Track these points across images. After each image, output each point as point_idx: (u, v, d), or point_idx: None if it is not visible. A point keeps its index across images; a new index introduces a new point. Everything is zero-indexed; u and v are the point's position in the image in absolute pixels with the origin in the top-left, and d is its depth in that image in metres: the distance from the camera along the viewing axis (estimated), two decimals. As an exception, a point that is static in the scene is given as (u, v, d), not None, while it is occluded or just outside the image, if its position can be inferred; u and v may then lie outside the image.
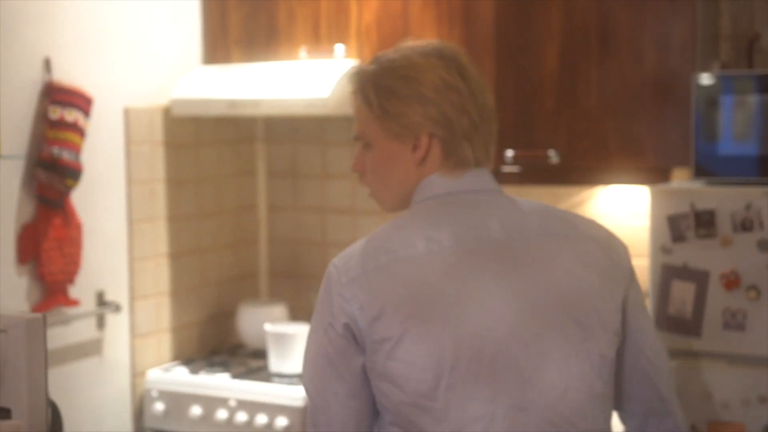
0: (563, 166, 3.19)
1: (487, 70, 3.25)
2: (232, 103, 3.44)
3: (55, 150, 3.06)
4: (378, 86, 1.79)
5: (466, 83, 1.78)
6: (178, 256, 3.65)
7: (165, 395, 3.46)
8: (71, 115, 3.11)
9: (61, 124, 3.08)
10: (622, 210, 3.44)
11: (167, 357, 3.63)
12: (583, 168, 3.18)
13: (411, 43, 1.86)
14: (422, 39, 1.93)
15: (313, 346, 1.77)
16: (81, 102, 3.15)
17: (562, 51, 3.16)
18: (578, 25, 3.13)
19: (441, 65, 1.78)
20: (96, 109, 3.24)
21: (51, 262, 3.10)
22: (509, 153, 3.23)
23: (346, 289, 1.71)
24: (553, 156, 3.17)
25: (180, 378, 3.50)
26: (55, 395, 2.31)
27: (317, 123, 3.91)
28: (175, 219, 3.64)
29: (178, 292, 3.66)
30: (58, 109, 3.08)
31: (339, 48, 3.46)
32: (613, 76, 3.09)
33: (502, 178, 3.25)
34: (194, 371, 3.53)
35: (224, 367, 3.56)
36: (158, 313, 3.59)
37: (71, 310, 3.23)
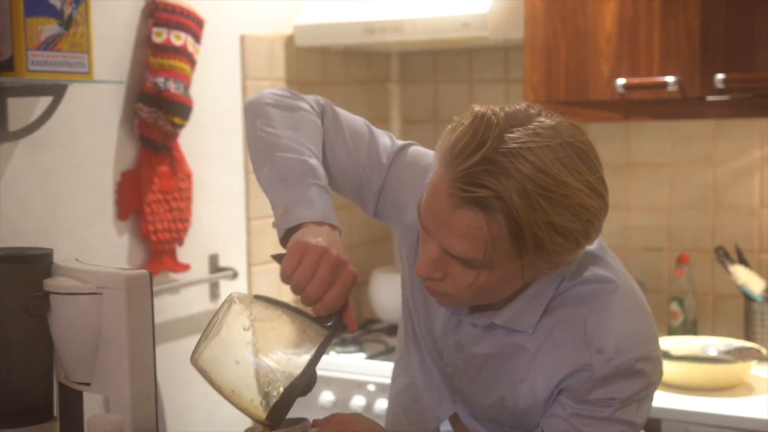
0: (791, 94, 2.52)
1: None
2: (369, 27, 2.85)
3: (161, 80, 2.51)
4: (536, 215, 1.30)
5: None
6: (303, 214, 3.08)
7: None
8: (179, 39, 2.55)
9: (168, 49, 2.53)
10: None
11: (291, 333, 3.06)
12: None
13: (544, 134, 1.33)
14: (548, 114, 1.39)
15: None
16: (191, 23, 2.59)
17: (790, -55, 2.48)
18: None
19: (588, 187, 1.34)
20: (207, 36, 2.69)
21: (156, 218, 2.56)
22: (719, 77, 2.56)
23: None
24: (781, 80, 2.50)
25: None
26: (159, 380, 1.75)
27: (464, 55, 3.30)
28: (299, 171, 3.06)
29: (304, 258, 3.09)
30: (164, 31, 2.53)
31: (497, -42, 2.84)
32: None
33: (706, 109, 2.61)
34: (323, 350, 2.96)
35: (358, 345, 2.99)
36: (280, 281, 3.01)
37: (180, 276, 2.69)
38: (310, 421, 1.44)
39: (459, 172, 1.31)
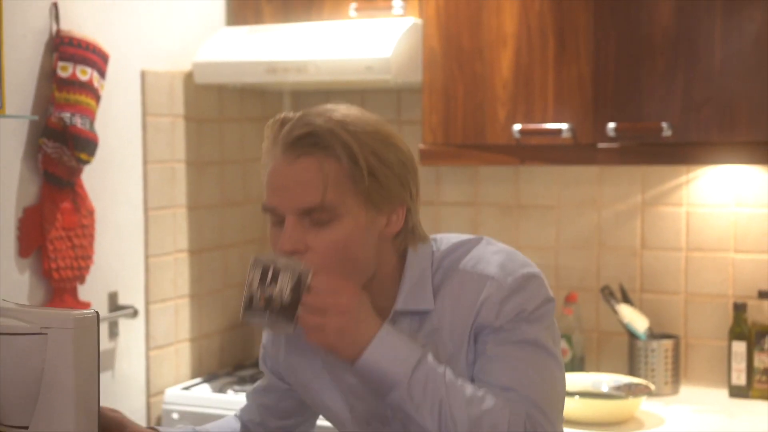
0: (676, 141, 2.67)
1: (582, 24, 2.73)
2: (271, 67, 2.87)
3: (66, 115, 2.47)
4: (363, 144, 1.49)
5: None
6: (198, 252, 3.07)
7: (187, 416, 2.86)
8: (85, 74, 2.52)
9: (74, 84, 2.49)
10: (729, 194, 2.94)
11: (187, 372, 3.03)
12: (701, 143, 2.66)
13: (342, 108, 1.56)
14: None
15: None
16: (97, 58, 2.56)
17: (677, 1, 2.64)
18: (698, -28, 2.62)
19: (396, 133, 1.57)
20: (109, 70, 2.66)
21: (59, 255, 2.50)
22: (611, 126, 2.70)
23: None
24: (666, 129, 2.65)
25: (203, 397, 2.91)
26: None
27: (357, 95, 3.36)
28: (196, 208, 3.05)
29: (199, 296, 3.07)
30: (70, 66, 2.49)
31: (397, 4, 2.91)
32: (742, 29, 2.58)
33: (597, 155, 2.74)
34: (219, 389, 2.95)
35: (254, 383, 2.97)
36: (177, 319, 2.99)
37: (79, 316, 2.62)
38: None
39: (285, 134, 1.49)
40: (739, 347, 2.84)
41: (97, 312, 1.52)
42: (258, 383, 1.86)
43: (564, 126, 2.76)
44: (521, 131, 2.80)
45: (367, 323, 1.47)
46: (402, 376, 1.45)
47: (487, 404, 1.46)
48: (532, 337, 1.53)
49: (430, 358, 1.48)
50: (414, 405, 1.46)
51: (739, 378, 2.83)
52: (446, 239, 1.63)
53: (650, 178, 3.02)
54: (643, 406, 2.71)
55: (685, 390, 2.93)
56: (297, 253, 1.48)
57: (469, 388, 1.47)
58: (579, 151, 2.79)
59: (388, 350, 1.46)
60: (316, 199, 1.47)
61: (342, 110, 1.52)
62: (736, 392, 2.83)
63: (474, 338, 1.55)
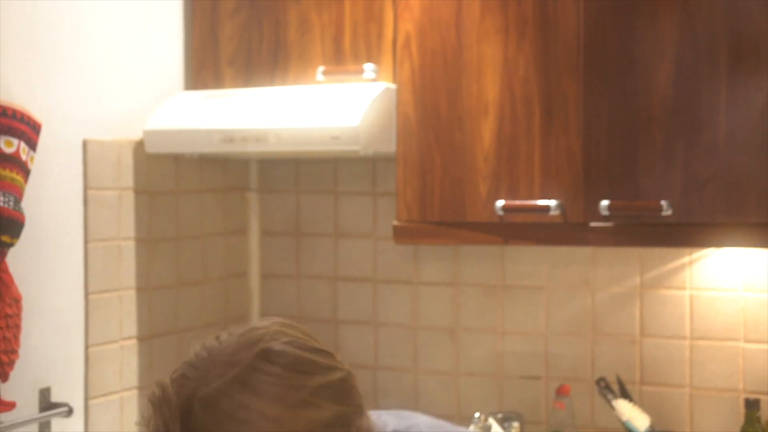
0: (677, 222, 2.39)
1: (571, 92, 2.46)
2: (228, 136, 2.60)
3: (-13, 193, 2.19)
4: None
5: None
6: (149, 338, 2.78)
7: None
8: (11, 146, 2.25)
9: (-4, 158, 2.22)
10: (737, 278, 2.66)
11: (133, 476, 2.73)
12: (705, 224, 2.38)
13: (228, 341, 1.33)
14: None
15: None
16: (26, 128, 2.29)
17: (677, 69, 2.37)
18: (701, 35, 2.35)
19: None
20: (43, 141, 2.39)
21: (-23, 350, 2.21)
22: (603, 203, 2.42)
23: None
24: (666, 208, 2.37)
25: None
26: None
27: (329, 165, 3.09)
28: (146, 289, 2.77)
29: (150, 387, 2.77)
30: (-7, 137, 2.22)
31: (368, 68, 2.65)
32: (749, 100, 2.31)
33: (589, 235, 2.47)
34: (169, 494, 2.63)
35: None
36: (123, 416, 2.70)
37: (4, 417, 2.33)
38: None
39: None
40: (752, 450, 2.54)
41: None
42: None
43: (552, 203, 2.48)
44: (505, 208, 2.52)
45: None
46: None
47: None
48: None
49: None
50: None
51: (752, 486, 2.52)
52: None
53: (649, 258, 2.74)
54: None
55: (691, 498, 2.63)
56: None
57: None
58: (569, 231, 2.51)
59: None
60: None
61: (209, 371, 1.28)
62: (749, 502, 2.53)
63: None
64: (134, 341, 2.74)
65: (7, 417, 2.34)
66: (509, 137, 2.53)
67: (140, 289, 2.75)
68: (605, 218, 2.44)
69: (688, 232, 2.40)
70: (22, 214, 2.26)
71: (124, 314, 2.70)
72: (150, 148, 2.71)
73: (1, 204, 2.20)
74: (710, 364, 2.70)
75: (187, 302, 2.93)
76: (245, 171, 3.18)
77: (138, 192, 2.74)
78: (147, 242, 2.77)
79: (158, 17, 2.86)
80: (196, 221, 2.97)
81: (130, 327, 2.72)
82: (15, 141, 2.26)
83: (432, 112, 2.60)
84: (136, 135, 2.73)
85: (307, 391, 1.26)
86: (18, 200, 2.26)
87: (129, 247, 2.71)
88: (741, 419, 2.61)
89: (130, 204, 2.71)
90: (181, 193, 2.91)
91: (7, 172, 2.23)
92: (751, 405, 2.56)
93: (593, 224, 2.47)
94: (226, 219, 3.10)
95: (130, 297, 2.72)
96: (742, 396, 2.64)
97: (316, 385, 1.27)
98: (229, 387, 1.26)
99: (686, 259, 2.71)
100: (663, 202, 2.37)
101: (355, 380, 1.33)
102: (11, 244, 2.25)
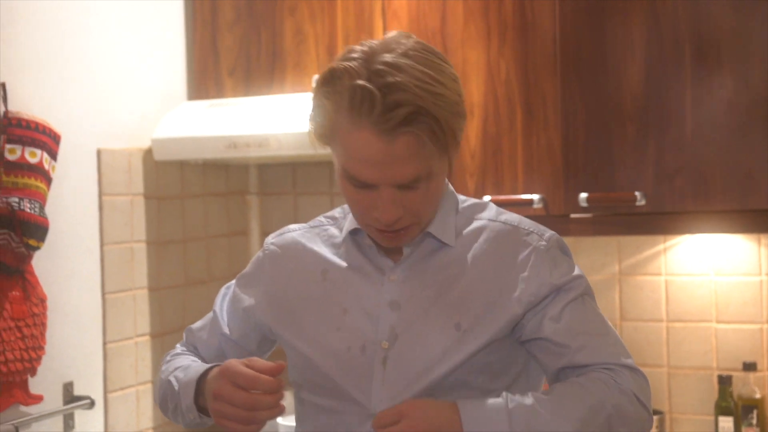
0: (650, 211, 2.58)
1: (549, 92, 2.65)
2: (232, 142, 2.78)
3: (14, 200, 2.36)
4: (447, 110, 1.53)
5: None
6: (161, 335, 2.95)
7: None
8: (35, 156, 2.42)
9: (22, 167, 2.39)
10: (708, 263, 2.85)
11: (150, 464, 2.91)
12: (676, 213, 2.57)
13: (398, 43, 1.56)
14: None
15: None
16: (47, 139, 2.46)
17: (647, 68, 2.57)
18: (667, 36, 2.55)
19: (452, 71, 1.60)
20: (62, 150, 2.56)
21: (7, 347, 2.37)
22: (582, 196, 2.61)
23: None
24: (640, 198, 2.56)
25: (167, 489, 2.78)
26: None
27: (324, 167, 3.27)
28: (157, 289, 2.94)
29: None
30: (18, 148, 2.39)
31: (360, 75, 2.83)
32: (713, 96, 2.51)
33: (570, 226, 2.65)
34: (184, 480, 2.81)
35: (221, 472, 2.84)
36: (138, 408, 2.86)
37: (32, 409, 2.49)
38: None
39: (375, 113, 1.46)
40: (726, 422, 2.73)
41: (16, 427, 1.41)
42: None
43: (535, 197, 2.67)
44: (491, 202, 2.69)
45: (443, 413, 1.50)
46: (504, 424, 1.48)
47: (591, 390, 1.53)
48: (586, 297, 1.65)
49: (511, 396, 1.52)
50: None
51: (727, 455, 2.71)
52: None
53: (627, 246, 2.93)
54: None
55: (671, 468, 2.81)
56: (398, 217, 1.55)
57: (560, 390, 1.53)
58: (551, 222, 2.65)
59: (478, 414, 1.49)
60: (415, 172, 1.52)
61: (410, 65, 1.50)
62: (724, 470, 2.72)
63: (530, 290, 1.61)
64: (147, 338, 2.91)
65: (35, 409, 2.50)
66: (493, 136, 2.72)
67: (152, 289, 2.92)
68: (584, 209, 2.64)
69: (661, 220, 2.60)
70: (46, 219, 2.43)
71: (137, 312, 2.87)
72: (158, 156, 2.88)
73: (29, 210, 2.37)
74: (685, 345, 2.88)
75: (195, 301, 3.09)
76: (246, 175, 3.35)
77: (147, 197, 2.91)
78: (157, 244, 2.94)
79: (161, 32, 3.03)
80: (201, 224, 3.14)
81: (144, 324, 2.89)
82: (38, 152, 2.43)
83: (421, 116, 2.78)
84: (145, 143, 2.91)
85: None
86: (42, 206, 2.43)
87: (140, 249, 2.88)
88: (715, 395, 2.80)
89: (140, 209, 2.88)
90: (187, 197, 3.08)
91: (32, 181, 2.41)
92: (724, 381, 2.75)
93: (573, 215, 2.66)
94: (228, 221, 3.27)
95: (142, 296, 2.89)
96: (716, 373, 2.83)
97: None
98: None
99: (661, 246, 2.90)
100: (637, 193, 2.57)
101: None
102: (38, 248, 2.42)
